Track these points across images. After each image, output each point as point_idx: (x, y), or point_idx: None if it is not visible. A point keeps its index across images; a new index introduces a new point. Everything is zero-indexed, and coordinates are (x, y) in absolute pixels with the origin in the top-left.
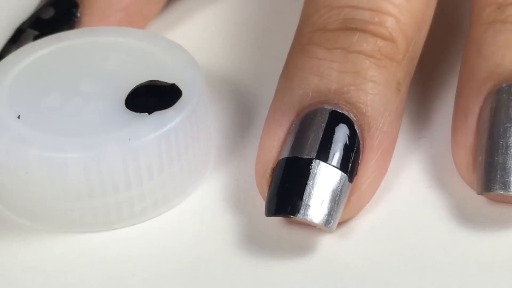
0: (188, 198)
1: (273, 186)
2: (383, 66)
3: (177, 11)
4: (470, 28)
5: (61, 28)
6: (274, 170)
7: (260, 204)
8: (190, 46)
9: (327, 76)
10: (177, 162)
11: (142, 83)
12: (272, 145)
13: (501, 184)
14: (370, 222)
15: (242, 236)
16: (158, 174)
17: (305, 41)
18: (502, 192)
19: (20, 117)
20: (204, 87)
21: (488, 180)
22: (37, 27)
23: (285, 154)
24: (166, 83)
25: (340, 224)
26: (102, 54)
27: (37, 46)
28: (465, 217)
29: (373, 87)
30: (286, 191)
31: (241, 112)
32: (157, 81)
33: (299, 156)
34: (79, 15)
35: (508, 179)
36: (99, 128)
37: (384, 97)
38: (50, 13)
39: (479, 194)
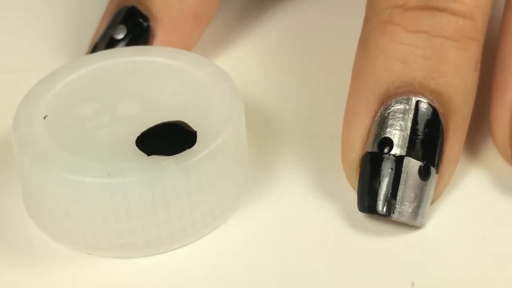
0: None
1: (364, 181)
2: (464, 48)
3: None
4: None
5: (137, 44)
6: (362, 162)
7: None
8: (244, 69)
9: (412, 64)
10: (199, 196)
11: (159, 124)
12: (358, 133)
13: None
14: None
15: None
16: (178, 205)
17: (384, 18)
18: None
19: (46, 117)
20: (241, 118)
21: None
22: (111, 47)
23: (373, 147)
24: (188, 129)
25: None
26: (147, 76)
27: (90, 60)
28: (500, 190)
29: (455, 73)
30: (378, 189)
31: (278, 142)
32: (180, 123)
33: (389, 152)
34: (151, 29)
35: None
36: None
37: (466, 80)
38: (122, 31)
39: None
